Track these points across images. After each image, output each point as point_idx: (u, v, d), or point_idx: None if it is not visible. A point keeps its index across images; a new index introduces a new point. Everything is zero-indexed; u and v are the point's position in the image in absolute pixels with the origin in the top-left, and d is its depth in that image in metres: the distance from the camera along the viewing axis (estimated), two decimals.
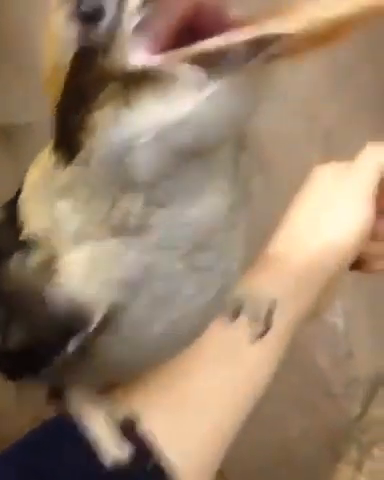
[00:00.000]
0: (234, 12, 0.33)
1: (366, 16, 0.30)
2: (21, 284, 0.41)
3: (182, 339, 0.45)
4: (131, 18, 0.32)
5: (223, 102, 0.32)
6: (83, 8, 0.33)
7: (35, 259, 0.40)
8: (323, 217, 0.58)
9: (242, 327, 0.52)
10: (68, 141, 0.37)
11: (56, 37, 0.35)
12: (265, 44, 0.30)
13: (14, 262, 0.41)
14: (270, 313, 0.51)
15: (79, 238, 0.39)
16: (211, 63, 0.31)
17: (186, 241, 0.39)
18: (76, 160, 0.36)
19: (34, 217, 0.41)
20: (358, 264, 0.60)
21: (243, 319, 0.52)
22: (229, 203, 0.40)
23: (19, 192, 0.44)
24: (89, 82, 0.34)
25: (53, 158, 0.39)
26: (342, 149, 0.89)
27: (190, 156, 0.35)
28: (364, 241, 0.57)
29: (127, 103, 0.33)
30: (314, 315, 0.58)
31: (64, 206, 0.39)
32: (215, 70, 0.31)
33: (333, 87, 0.86)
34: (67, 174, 0.38)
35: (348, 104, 0.88)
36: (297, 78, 0.84)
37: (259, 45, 0.31)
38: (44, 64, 0.37)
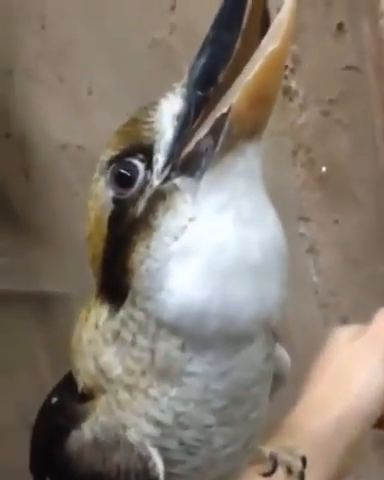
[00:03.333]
0: None
1: (273, 67, 0.34)
2: (89, 464, 0.41)
3: None
4: (158, 176, 0.38)
5: (215, 196, 0.36)
6: (120, 172, 0.39)
7: (89, 432, 0.42)
8: (343, 381, 0.62)
9: None
10: (115, 288, 0.40)
11: (97, 199, 0.41)
12: (220, 127, 0.35)
13: (73, 441, 0.42)
14: (303, 469, 0.54)
15: (121, 383, 0.41)
16: (194, 167, 0.36)
17: (221, 395, 0.41)
18: (125, 303, 0.40)
19: (84, 371, 0.44)
20: (380, 423, 0.63)
21: (280, 473, 0.54)
22: (264, 355, 0.42)
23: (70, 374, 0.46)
24: (123, 230, 0.39)
25: (103, 313, 0.42)
26: None
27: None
28: None
29: (150, 228, 0.37)
30: (341, 476, 0.60)
31: (111, 351, 0.41)
32: (199, 172, 0.36)
33: (344, 278, 0.93)
34: (117, 319, 0.41)
35: (359, 293, 0.94)
36: (309, 270, 0.92)
37: (216, 130, 0.35)
38: (85, 225, 0.42)
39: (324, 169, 0.89)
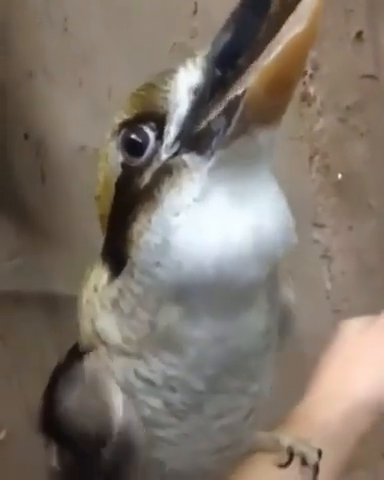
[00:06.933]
0: None
1: (296, 51, 0.31)
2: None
3: (203, 453, 0.46)
4: (167, 150, 0.37)
5: (222, 177, 0.35)
6: (131, 138, 0.38)
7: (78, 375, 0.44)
8: (353, 374, 0.61)
9: (294, 471, 0.55)
10: (116, 256, 0.40)
11: (106, 160, 0.40)
12: (234, 108, 0.33)
13: (64, 382, 0.45)
14: (318, 461, 0.55)
15: (118, 350, 0.42)
16: (205, 146, 0.35)
17: (217, 363, 0.41)
18: (123, 272, 0.40)
19: (82, 330, 0.45)
20: None
21: (295, 463, 0.55)
22: (267, 325, 0.42)
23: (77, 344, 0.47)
24: (128, 199, 0.39)
25: (103, 276, 0.42)
26: None
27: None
28: None
29: (154, 201, 0.37)
30: (352, 468, 0.61)
31: (110, 319, 0.42)
32: (209, 151, 0.35)
33: (357, 284, 0.93)
34: (115, 287, 0.41)
35: (372, 299, 0.94)
36: (322, 275, 0.93)
37: (230, 112, 0.34)
38: (95, 190, 0.42)
39: (340, 176, 0.90)
